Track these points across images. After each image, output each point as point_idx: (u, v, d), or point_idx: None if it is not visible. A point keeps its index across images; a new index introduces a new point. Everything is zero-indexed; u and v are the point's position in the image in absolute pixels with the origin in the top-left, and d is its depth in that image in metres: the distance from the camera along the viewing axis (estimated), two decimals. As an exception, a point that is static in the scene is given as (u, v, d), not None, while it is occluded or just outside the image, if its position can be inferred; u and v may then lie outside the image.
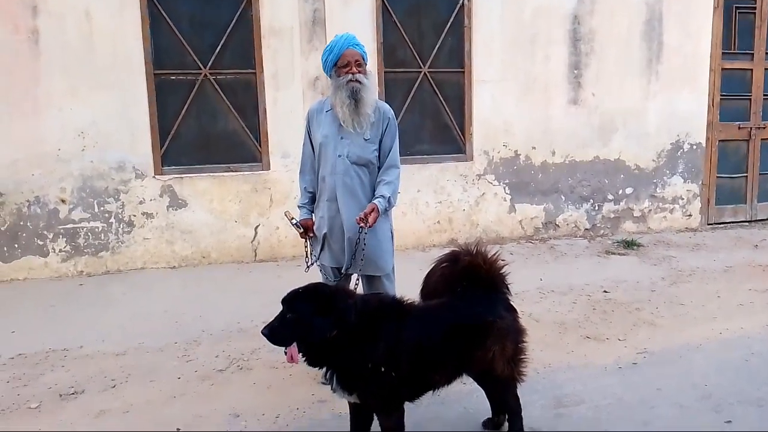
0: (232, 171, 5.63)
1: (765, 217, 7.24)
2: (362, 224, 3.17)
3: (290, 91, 5.60)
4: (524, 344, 2.79)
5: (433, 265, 2.85)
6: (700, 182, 6.96)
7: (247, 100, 5.63)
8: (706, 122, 6.82)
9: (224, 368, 3.68)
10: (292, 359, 2.44)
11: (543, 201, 6.50)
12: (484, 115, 6.17)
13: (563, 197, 6.57)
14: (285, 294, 2.48)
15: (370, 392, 2.45)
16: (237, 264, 5.71)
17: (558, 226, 6.59)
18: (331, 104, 3.32)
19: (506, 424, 2.89)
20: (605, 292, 5.00)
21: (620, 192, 6.75)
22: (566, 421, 3.02)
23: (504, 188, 6.35)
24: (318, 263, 3.49)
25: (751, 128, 6.97)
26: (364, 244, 3.27)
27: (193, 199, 5.53)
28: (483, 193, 6.28)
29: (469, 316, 2.61)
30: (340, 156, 3.30)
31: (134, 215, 5.42)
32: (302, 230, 3.46)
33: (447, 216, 6.20)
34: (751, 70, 6.87)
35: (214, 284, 5.19)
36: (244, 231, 5.71)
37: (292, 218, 3.44)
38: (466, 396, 3.17)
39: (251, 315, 4.44)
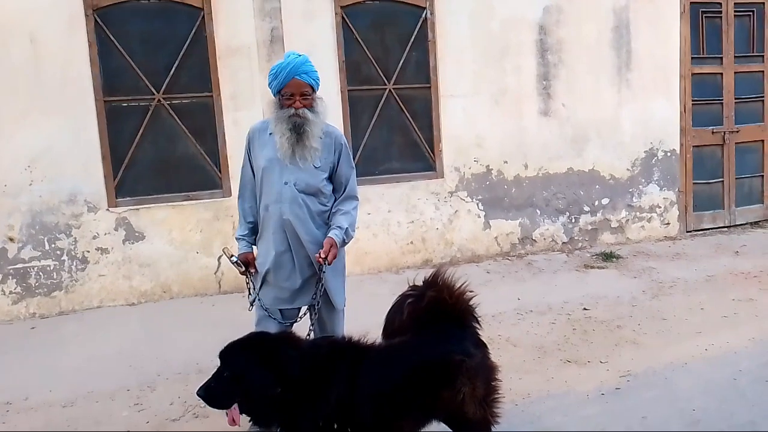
0: (192, 199, 5.35)
1: (744, 222, 7.13)
2: (321, 262, 2.91)
3: (251, 112, 5.35)
4: (497, 383, 2.56)
5: (395, 302, 2.62)
6: (677, 189, 6.83)
7: (205, 124, 5.38)
8: (680, 128, 6.71)
9: (178, 417, 3.40)
10: (233, 422, 2.18)
11: (518, 216, 6.31)
12: (453, 131, 5.99)
13: (539, 211, 6.39)
14: (222, 348, 2.23)
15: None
16: (200, 297, 5.41)
17: (535, 240, 6.40)
18: (271, 131, 3.04)
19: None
20: (585, 309, 4.81)
21: (596, 203, 6.59)
22: (547, 461, 2.79)
23: (477, 204, 6.16)
24: (259, 301, 3.14)
25: (724, 132, 6.88)
26: (319, 280, 3.02)
27: (151, 229, 5.25)
28: (456, 211, 6.08)
29: (433, 354, 2.38)
30: (286, 183, 3.00)
31: (88, 251, 5.12)
32: (243, 268, 3.11)
33: (420, 236, 5.98)
34: (721, 74, 6.79)
35: (175, 320, 4.89)
36: (206, 261, 5.43)
37: (231, 255, 3.10)
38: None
39: (212, 353, 4.03)
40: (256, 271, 3.14)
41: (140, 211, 5.21)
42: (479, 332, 2.59)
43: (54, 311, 5.08)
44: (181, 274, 5.36)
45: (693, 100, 6.72)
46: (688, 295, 5.08)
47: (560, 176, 6.40)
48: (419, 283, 2.60)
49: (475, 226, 6.17)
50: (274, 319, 3.09)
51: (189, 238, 5.36)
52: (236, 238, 3.24)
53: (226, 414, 2.20)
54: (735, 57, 6.84)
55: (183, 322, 4.84)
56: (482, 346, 2.55)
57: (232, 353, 2.20)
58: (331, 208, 3.16)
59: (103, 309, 5.16)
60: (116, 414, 3.44)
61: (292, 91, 2.97)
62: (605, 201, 6.61)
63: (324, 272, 2.97)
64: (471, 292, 2.60)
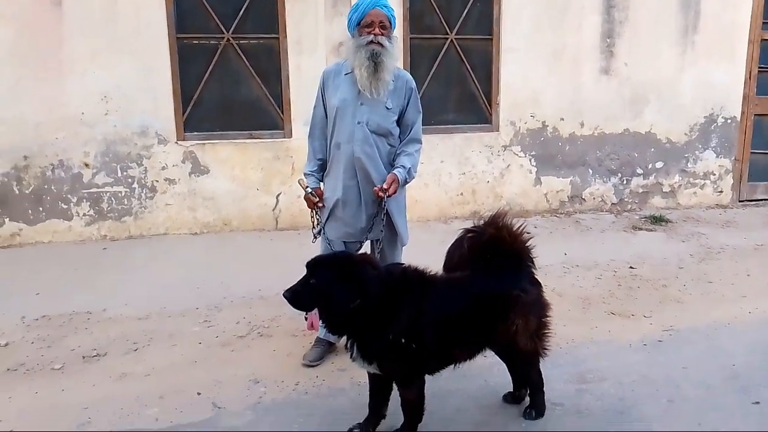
0: (254, 138, 5.58)
1: (799, 195, 7.00)
2: (382, 194, 3.08)
3: (314, 57, 5.50)
4: (548, 318, 2.73)
5: (457, 237, 2.78)
6: (733, 157, 6.74)
7: (270, 66, 5.55)
8: (743, 95, 6.57)
9: (245, 334, 3.69)
10: (312, 326, 2.41)
11: (569, 174, 6.36)
12: (511, 85, 6.01)
13: (590, 170, 6.41)
14: (310, 259, 2.44)
15: (390, 363, 2.42)
16: (258, 232, 5.70)
17: (584, 200, 6.45)
18: (351, 66, 3.16)
19: (527, 398, 2.85)
20: (631, 267, 4.89)
21: (650, 166, 6.57)
22: (589, 397, 2.97)
23: (530, 160, 6.22)
24: (324, 234, 3.34)
25: (789, 102, 6.70)
26: (385, 214, 3.20)
27: (215, 165, 5.51)
28: (508, 165, 6.16)
29: (493, 288, 2.56)
30: (359, 123, 3.16)
31: (157, 181, 5.42)
32: (317, 199, 3.28)
33: (470, 188, 6.10)
34: (793, 41, 6.57)
35: (236, 251, 5.19)
36: (265, 199, 5.69)
37: (307, 186, 3.28)
38: (487, 370, 3.13)
39: (272, 283, 4.41)
40: (323, 205, 3.33)
41: (206, 146, 5.47)
42: (534, 271, 2.74)
43: (123, 235, 5.43)
44: (241, 209, 5.64)
45: (759, 67, 6.54)
46: (735, 261, 5.11)
47: (615, 137, 6.38)
48: (481, 221, 2.75)
49: (526, 181, 6.25)
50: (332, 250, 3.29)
51: (250, 176, 5.61)
52: (305, 174, 3.42)
53: (306, 318, 2.42)
54: (809, 24, 6.60)
55: (243, 254, 5.13)
56: (536, 284, 2.71)
57: (320, 265, 2.40)
58: (396, 149, 3.31)
59: (169, 236, 5.50)
60: (187, 329, 3.75)
61: (372, 20, 3.08)
62: (659, 165, 6.58)
63: (386, 205, 3.14)
64: (528, 233, 2.75)
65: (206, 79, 5.44)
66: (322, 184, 3.41)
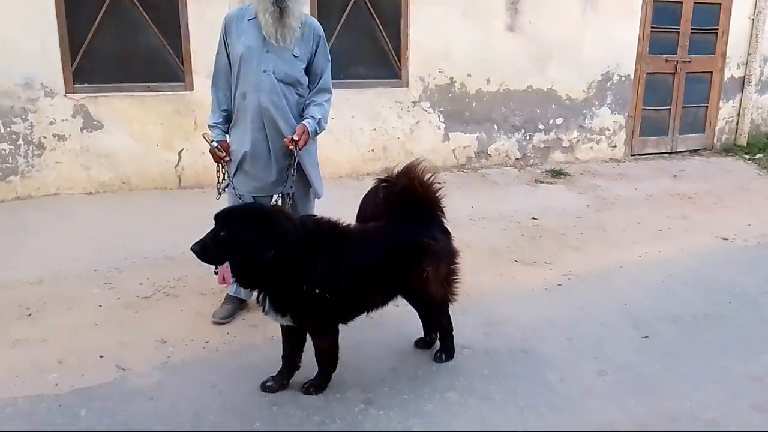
0: (153, 91, 5.25)
1: (685, 149, 7.54)
2: (292, 147, 3.00)
3: (216, 5, 5.19)
4: (457, 266, 2.80)
5: (370, 188, 2.78)
6: (627, 114, 7.13)
7: (169, 16, 5.19)
8: (636, 54, 6.92)
9: (149, 295, 3.54)
10: (223, 280, 2.34)
11: (476, 130, 6.49)
12: (421, 40, 5.99)
13: (496, 126, 6.57)
14: (219, 211, 2.35)
15: (304, 314, 2.40)
16: (160, 191, 5.42)
17: (490, 155, 6.62)
18: (255, 11, 3.01)
19: (438, 342, 2.94)
20: (534, 219, 5.11)
21: (551, 122, 6.82)
22: (495, 339, 3.10)
23: (439, 116, 6.28)
24: (232, 188, 3.23)
25: (677, 62, 7.14)
26: (296, 166, 3.13)
27: (110, 120, 5.15)
28: (418, 121, 6.20)
29: (405, 237, 2.59)
30: (265, 71, 3.03)
31: (44, 137, 5.00)
32: (223, 153, 3.15)
33: (382, 144, 6.10)
34: (681, 3, 6.96)
35: (137, 211, 4.92)
36: (167, 156, 5.40)
37: (212, 141, 3.15)
38: (398, 318, 3.18)
39: (177, 243, 4.23)
40: (230, 158, 3.20)
41: (99, 99, 5.09)
42: (444, 220, 2.79)
43: (10, 196, 5.00)
44: (141, 166, 5.33)
45: (652, 27, 6.90)
46: (628, 210, 5.46)
47: (520, 93, 6.56)
48: (393, 171, 2.75)
49: (435, 137, 6.32)
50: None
51: (149, 131, 5.30)
52: (209, 126, 3.27)
53: (216, 273, 2.34)
54: (696, -13, 7.01)
55: (145, 213, 4.87)
56: (446, 233, 2.77)
57: (231, 216, 2.32)
58: (306, 99, 3.22)
59: (61, 196, 5.11)
60: (86, 292, 3.55)
61: None
62: (559, 121, 6.85)
63: (296, 158, 3.06)
64: (438, 183, 2.78)
65: (97, 26, 5.02)
66: (228, 136, 3.28)
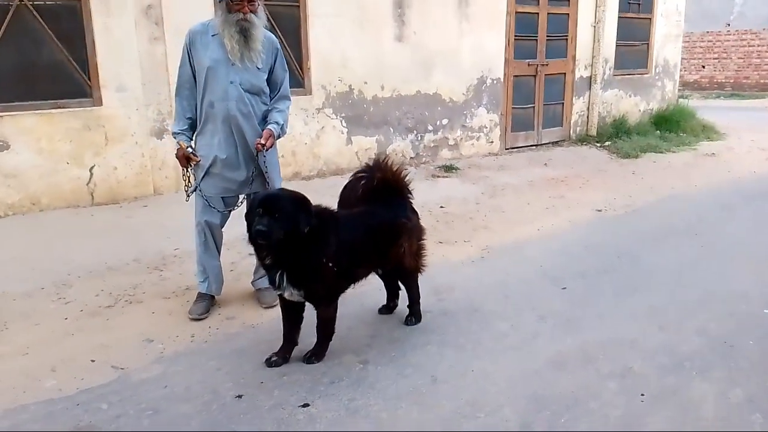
0: (60, 107, 5.14)
1: (548, 141, 8.64)
2: (261, 148, 3.26)
3: (122, 19, 5.22)
4: (423, 241, 3.27)
5: (349, 181, 3.18)
6: (500, 112, 8.04)
7: (72, 29, 5.12)
8: (504, 59, 7.85)
9: (112, 304, 3.60)
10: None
11: (375, 133, 7.00)
12: (320, 50, 6.39)
13: (392, 129, 7.14)
14: (260, 199, 2.61)
15: (316, 287, 2.73)
16: (73, 209, 5.28)
17: (388, 156, 7.16)
18: (217, 30, 3.25)
19: (398, 308, 3.37)
20: (441, 207, 5.72)
21: (438, 123, 7.52)
22: (447, 303, 3.60)
23: (341, 121, 6.71)
24: (199, 191, 3.44)
25: (537, 65, 8.19)
26: (266, 166, 3.40)
27: (17, 138, 4.96)
28: (323, 127, 6.57)
29: (386, 218, 3.03)
30: (232, 82, 3.27)
31: (-55, 159, 4.73)
32: (198, 158, 3.35)
33: (291, 149, 6.39)
34: (538, 13, 8.02)
35: (58, 229, 4.79)
36: (78, 173, 5.29)
37: (188, 147, 3.35)
38: (359, 296, 3.55)
39: (116, 254, 4.30)
40: (198, 162, 3.40)
41: (4, 118, 4.89)
42: (412, 203, 3.25)
43: None
44: (51, 185, 5.18)
45: (515, 36, 7.87)
46: (516, 195, 6.26)
47: (410, 98, 7.18)
48: (369, 164, 3.19)
49: (339, 141, 6.74)
50: (214, 207, 3.41)
51: (58, 148, 5.17)
52: (174, 133, 3.46)
53: None
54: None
55: (68, 230, 4.76)
56: (415, 213, 3.23)
57: (275, 200, 2.61)
58: (268, 106, 3.50)
59: (-33, 222, 4.85)
60: (43, 307, 3.53)
61: None
62: (445, 121, 7.58)
63: (265, 159, 3.35)
64: (406, 170, 3.24)
65: (-4, 43, 4.84)
66: (192, 142, 3.47)
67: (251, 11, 3.21)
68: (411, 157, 7.35)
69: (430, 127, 7.46)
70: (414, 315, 3.31)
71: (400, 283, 3.37)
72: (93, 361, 2.94)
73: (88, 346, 3.07)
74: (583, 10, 8.47)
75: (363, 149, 6.94)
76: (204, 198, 3.41)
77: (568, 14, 8.32)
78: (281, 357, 2.87)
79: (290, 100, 3.57)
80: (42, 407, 2.55)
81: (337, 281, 2.79)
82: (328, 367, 2.86)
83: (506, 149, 8.24)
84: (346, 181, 3.30)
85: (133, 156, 5.51)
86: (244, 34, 3.20)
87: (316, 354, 2.88)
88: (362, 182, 3.09)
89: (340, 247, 2.73)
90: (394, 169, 3.15)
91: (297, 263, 2.65)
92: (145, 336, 3.18)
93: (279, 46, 3.49)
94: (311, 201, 2.77)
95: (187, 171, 3.41)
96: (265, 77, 3.41)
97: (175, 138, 3.39)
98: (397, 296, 3.44)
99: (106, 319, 3.39)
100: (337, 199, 3.22)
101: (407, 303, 3.36)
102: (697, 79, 18.75)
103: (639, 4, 9.27)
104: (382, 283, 3.42)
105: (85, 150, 5.29)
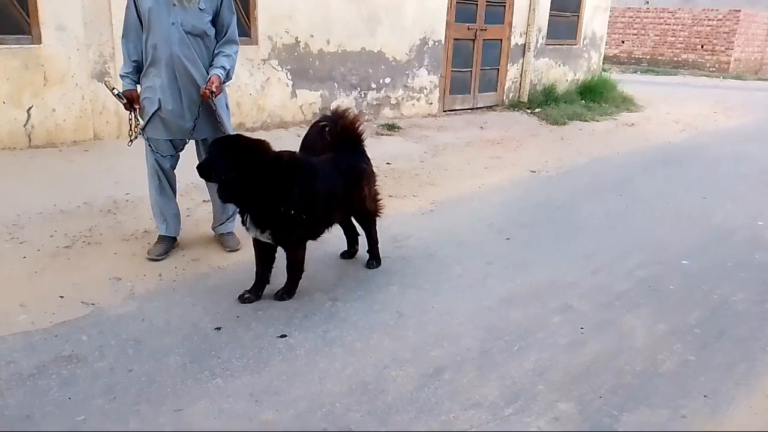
0: (-4, 44, 4.88)
1: (483, 105, 8.96)
2: (209, 95, 3.26)
3: (63, -47, 4.98)
4: (378, 186, 3.47)
5: (312, 128, 3.28)
6: (440, 75, 8.25)
7: (9, -39, 4.84)
8: (446, 22, 8.03)
9: (70, 245, 3.57)
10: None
11: (320, 87, 7.05)
12: (268, 0, 6.32)
13: (336, 84, 7.20)
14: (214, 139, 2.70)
15: (283, 231, 2.86)
16: (9, 151, 5.07)
17: (348, 106, 7.23)
18: None
19: (359, 253, 3.57)
20: (388, 164, 5.91)
21: (381, 81, 7.65)
22: (405, 249, 3.83)
23: (286, 74, 6.70)
24: (145, 136, 3.43)
25: (476, 30, 8.43)
26: (216, 111, 3.43)
27: (-52, 74, 4.70)
28: (268, 78, 6.55)
29: (351, 164, 3.17)
30: (173, 24, 3.23)
31: None
32: (125, 101, 3.34)
33: (235, 100, 6.32)
34: (479, -22, 8.22)
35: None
36: (14, 114, 5.07)
37: (113, 88, 3.30)
38: (322, 243, 3.68)
39: (65, 198, 4.23)
40: (141, 107, 3.38)
41: (-68, 51, 4.60)
42: (366, 150, 3.42)
43: None
44: (-15, 126, 4.95)
45: (457, -1, 8.06)
46: (457, 154, 6.55)
47: (355, 54, 7.25)
48: (328, 113, 3.30)
49: (284, 94, 6.75)
50: (157, 152, 3.42)
51: (-7, 88, 4.93)
52: (120, 75, 3.42)
53: None
54: (488, -34, 8.30)
55: (9, 173, 4.58)
56: (369, 160, 3.40)
57: (213, 144, 2.74)
58: (213, 50, 3.49)
59: None
60: (-3, 247, 3.46)
61: None
62: (388, 80, 7.71)
63: (215, 105, 3.37)
64: (361, 122, 3.39)
65: None
66: (138, 86, 3.44)
67: None
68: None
69: (373, 85, 7.58)
70: (374, 258, 3.51)
71: (358, 230, 3.56)
72: (62, 297, 2.95)
73: (55, 284, 3.07)
74: (521, -22, 8.76)
75: (307, 103, 6.98)
76: (149, 143, 3.41)
77: (508, -19, 8.58)
78: (254, 294, 3.00)
79: (238, 44, 3.53)
80: (19, 338, 2.57)
81: (309, 226, 2.94)
82: (300, 303, 3.02)
83: (444, 111, 8.50)
84: (304, 130, 3.38)
85: (72, 98, 5.32)
86: None
87: (287, 291, 3.03)
88: (327, 129, 3.20)
89: (311, 194, 2.86)
90: (355, 118, 3.29)
91: (258, 208, 2.76)
92: (112, 275, 3.21)
93: None
94: (271, 148, 2.86)
95: (132, 115, 3.39)
96: (209, 19, 3.35)
97: (121, 80, 3.36)
98: (356, 242, 3.63)
99: (67, 259, 3.38)
100: (300, 145, 3.33)
101: (367, 249, 3.55)
102: (616, 53, 19.72)
103: (572, -24, 9.68)
104: (341, 232, 3.60)
105: (22, 90, 5.07)
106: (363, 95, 7.50)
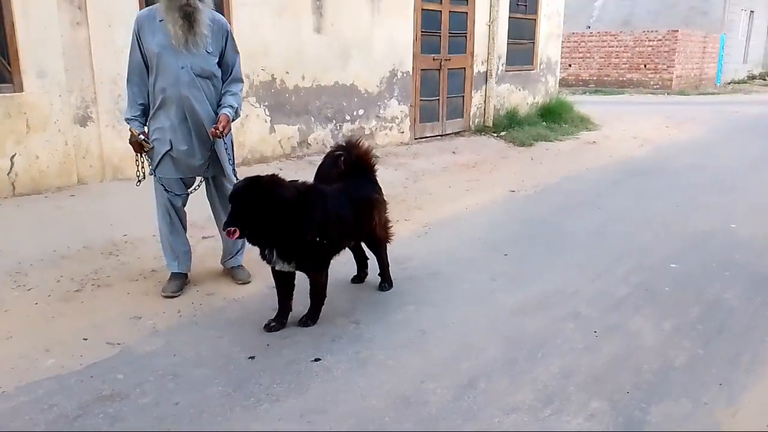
0: (-23, 93, 4.84)
1: (451, 131, 9.24)
2: (219, 134, 3.35)
3: (43, 2, 5.00)
4: (389, 214, 3.59)
5: (326, 157, 3.40)
6: (410, 104, 8.50)
7: (-11, 10, 4.84)
8: (413, 53, 8.31)
9: (80, 288, 3.56)
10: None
11: (297, 122, 7.17)
12: (244, 39, 6.43)
13: (313, 118, 7.34)
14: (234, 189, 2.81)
15: (306, 259, 2.94)
16: (-8, 200, 5.01)
17: (310, 144, 7.37)
18: (163, 17, 3.26)
19: (366, 276, 3.67)
20: (373, 191, 6.04)
21: (355, 113, 7.83)
22: (410, 271, 3.94)
23: (264, 110, 6.81)
24: (156, 176, 3.48)
25: (441, 59, 8.75)
26: (221, 151, 3.52)
27: (-71, 126, 4.63)
28: (247, 115, 6.63)
29: (363, 194, 3.30)
30: (182, 67, 3.31)
31: None
32: (151, 146, 3.38)
33: (216, 138, 6.39)
34: (441, 11, 8.56)
35: (-15, 221, 4.54)
36: (-3, 162, 5.02)
37: (140, 134, 3.36)
38: (332, 271, 3.75)
39: (62, 242, 4.19)
40: (152, 147, 3.43)
41: None
42: (378, 180, 3.55)
43: None
44: (-32, 176, 4.88)
45: (422, 31, 8.36)
46: (436, 179, 6.74)
47: (329, 88, 7.43)
48: (342, 143, 3.43)
49: (263, 129, 6.84)
50: (169, 191, 3.47)
51: (-25, 137, 4.87)
52: (127, 119, 3.46)
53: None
54: (448, -1, 8.67)
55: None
56: (381, 190, 3.52)
57: (242, 191, 2.78)
58: (221, 89, 3.60)
59: None
60: (5, 296, 3.41)
61: None
62: (361, 111, 7.90)
63: (225, 144, 3.47)
64: (374, 151, 3.53)
65: None
66: (146, 128, 3.49)
67: None
68: (330, 146, 7.59)
69: (347, 117, 7.75)
70: (386, 281, 3.61)
71: (367, 254, 3.67)
72: (86, 339, 2.94)
73: (74, 327, 3.06)
74: (479, 9, 9.15)
75: (286, 137, 7.09)
76: (161, 182, 3.46)
77: (466, 13, 8.95)
78: (279, 323, 3.06)
79: (243, 82, 3.64)
80: (53, 382, 2.56)
81: (326, 251, 3.03)
82: (325, 328, 3.09)
83: (415, 139, 8.72)
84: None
85: (56, 144, 5.29)
86: (188, 18, 3.22)
87: (311, 317, 3.10)
88: (342, 159, 3.33)
89: (328, 220, 2.96)
90: (368, 148, 3.43)
91: (284, 240, 2.84)
92: (131, 314, 3.22)
93: (229, 28, 3.53)
94: (286, 183, 2.93)
95: (141, 156, 3.45)
96: (216, 61, 3.44)
97: (128, 124, 3.41)
98: (366, 266, 3.73)
99: (81, 302, 3.36)
100: (314, 173, 3.44)
101: (378, 272, 3.65)
102: (564, 76, 20.54)
103: (526, 6, 10.15)
104: (350, 257, 3.69)
105: (5, 138, 5.02)
106: (338, 127, 7.66)
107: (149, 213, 4.56)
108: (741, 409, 2.50)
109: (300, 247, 2.89)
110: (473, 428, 2.30)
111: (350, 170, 3.31)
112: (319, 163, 3.50)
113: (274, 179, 2.91)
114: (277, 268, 2.95)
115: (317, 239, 2.91)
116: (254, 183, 2.81)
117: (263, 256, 2.94)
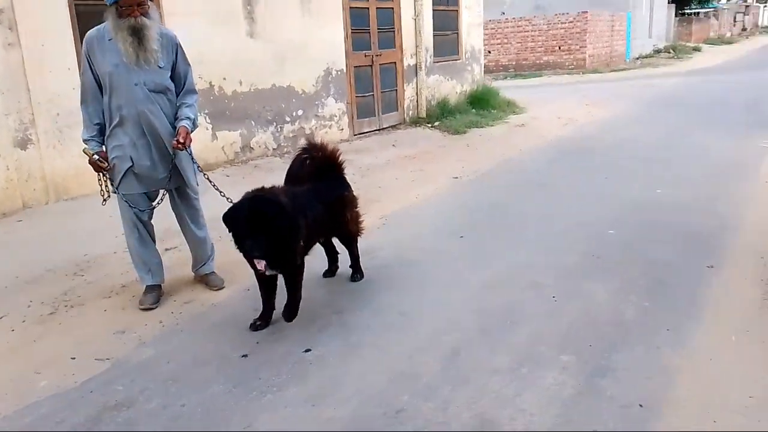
0: None
1: (388, 125, 9.48)
2: (181, 147, 3.42)
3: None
4: (359, 209, 3.77)
5: (294, 160, 3.54)
6: (346, 101, 8.68)
7: None
8: (345, 52, 8.49)
9: (54, 311, 3.55)
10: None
11: (238, 127, 7.22)
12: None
13: (254, 122, 7.40)
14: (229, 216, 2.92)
15: (289, 260, 3.08)
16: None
17: (252, 148, 7.43)
18: (112, 36, 3.29)
19: (336, 269, 3.85)
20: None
21: (294, 114, 7.94)
22: (380, 260, 4.15)
23: (205, 118, 6.82)
24: (119, 194, 3.50)
25: (372, 56, 8.96)
26: (182, 163, 3.59)
27: None
28: (189, 125, 6.62)
29: (334, 193, 3.47)
30: (137, 84, 3.34)
31: None
32: (106, 164, 3.39)
33: (160, 150, 6.36)
34: (368, 8, 8.77)
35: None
36: (-65, 193, 4.85)
37: (94, 154, 3.36)
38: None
39: (24, 268, 4.15)
40: (111, 167, 3.44)
41: None
42: (346, 177, 3.73)
43: None
44: None
45: (352, 29, 8.54)
46: (383, 172, 6.96)
47: (267, 91, 7.50)
48: (307, 146, 3.58)
49: (205, 137, 6.85)
50: (134, 207, 3.51)
51: None
52: (84, 140, 3.45)
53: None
54: (374, -4, 8.88)
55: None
56: (350, 187, 3.70)
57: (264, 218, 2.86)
58: (175, 102, 3.66)
59: None
60: (-23, 325, 3.37)
61: (131, 3, 3.26)
62: (300, 112, 8.02)
63: (191, 155, 3.55)
64: (339, 151, 3.69)
65: None
66: (104, 147, 3.51)
67: (141, 14, 3.28)
68: (273, 149, 7.69)
69: (287, 119, 7.85)
70: (358, 272, 3.80)
71: (337, 248, 3.85)
72: (73, 358, 2.98)
73: (59, 348, 3.08)
74: (404, 3, 9.41)
75: (228, 143, 7.12)
76: (125, 199, 3.49)
77: (392, 8, 9.20)
78: (264, 321, 3.19)
79: (197, 93, 3.69)
80: (54, 400, 2.60)
81: (303, 251, 3.19)
82: (310, 321, 3.25)
83: (355, 135, 8.91)
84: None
85: (-4, 170, 5.16)
86: (138, 35, 3.27)
87: (293, 311, 3.22)
88: (308, 161, 3.48)
89: (306, 223, 3.11)
90: (333, 149, 3.60)
91: (277, 251, 2.95)
92: (113, 330, 3.26)
93: (178, 41, 3.57)
94: (274, 195, 3.03)
95: (102, 176, 3.46)
96: (169, 75, 3.49)
97: (85, 145, 3.41)
98: (337, 260, 3.90)
99: (59, 324, 3.37)
100: (285, 176, 3.58)
101: (349, 264, 3.84)
102: (485, 63, 21.20)
103: (447, -2, 10.53)
104: (321, 252, 3.85)
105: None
106: (279, 129, 7.75)
107: (105, 231, 4.61)
108: (689, 349, 2.86)
109: (288, 252, 3.02)
110: (466, 392, 2.54)
111: (320, 170, 3.47)
112: (288, 166, 3.64)
113: (263, 198, 2.97)
114: (268, 274, 3.07)
115: (301, 243, 3.07)
116: (252, 209, 2.88)
117: (255, 267, 3.03)
